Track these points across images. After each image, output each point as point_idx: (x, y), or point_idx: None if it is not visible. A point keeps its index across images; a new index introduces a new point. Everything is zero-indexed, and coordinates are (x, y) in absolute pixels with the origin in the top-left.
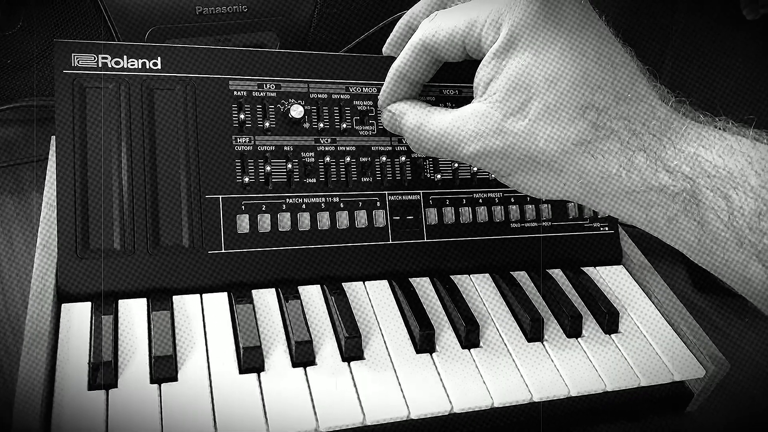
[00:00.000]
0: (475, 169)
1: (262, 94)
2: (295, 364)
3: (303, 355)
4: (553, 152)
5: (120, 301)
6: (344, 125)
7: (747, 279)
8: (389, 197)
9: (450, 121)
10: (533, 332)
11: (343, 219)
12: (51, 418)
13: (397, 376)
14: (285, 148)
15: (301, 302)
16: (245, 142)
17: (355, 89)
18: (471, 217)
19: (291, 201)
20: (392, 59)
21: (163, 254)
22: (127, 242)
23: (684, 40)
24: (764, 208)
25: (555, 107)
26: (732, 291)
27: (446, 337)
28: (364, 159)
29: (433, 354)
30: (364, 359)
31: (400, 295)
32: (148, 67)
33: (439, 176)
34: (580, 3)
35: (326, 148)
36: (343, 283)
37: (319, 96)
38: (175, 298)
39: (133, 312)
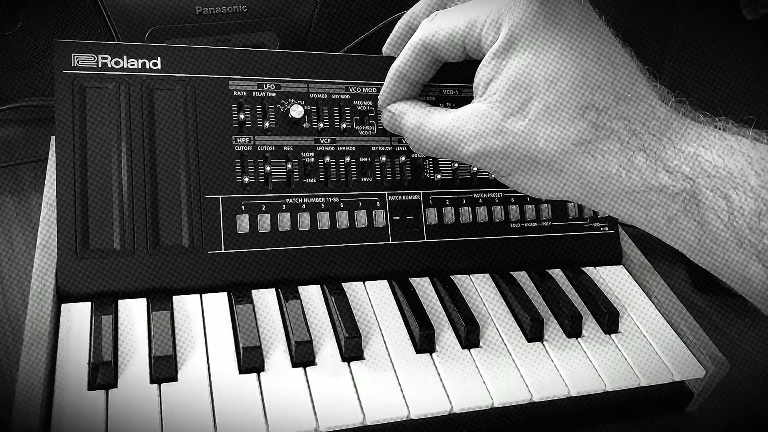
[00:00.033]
0: (475, 169)
1: (262, 94)
2: (295, 364)
3: (303, 355)
4: (553, 152)
5: (120, 301)
6: (344, 125)
7: (747, 279)
8: (389, 197)
9: (450, 121)
10: (533, 332)
11: (343, 219)
12: (51, 418)
13: (397, 376)
14: (285, 148)
15: (301, 302)
16: (245, 142)
17: (355, 89)
18: (471, 217)
19: (291, 201)
20: (392, 59)
21: (163, 254)
22: (127, 242)
23: (684, 40)
24: (764, 208)
25: (555, 107)
26: (732, 291)
27: (446, 337)
28: (364, 159)
29: (433, 354)
30: (364, 359)
31: (400, 295)
32: (148, 67)
33: (439, 176)
34: (580, 3)
35: (326, 148)
36: (343, 283)
37: (319, 96)
38: (175, 298)
39: (133, 312)
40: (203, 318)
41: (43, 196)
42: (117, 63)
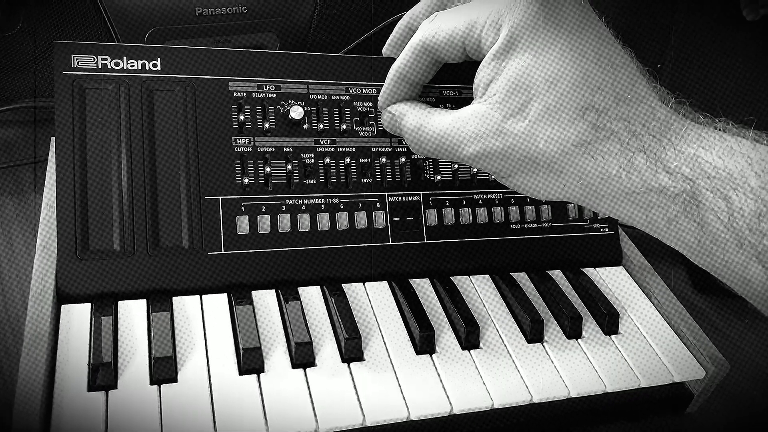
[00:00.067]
0: (475, 170)
1: (261, 95)
2: (294, 365)
3: (303, 356)
4: (553, 153)
5: (120, 302)
6: (344, 126)
7: (747, 280)
8: (389, 198)
9: (450, 122)
10: (533, 333)
11: (342, 220)
12: (51, 419)
13: (396, 377)
14: (285, 149)
15: (301, 303)
16: (245, 143)
17: (355, 90)
18: (471, 218)
19: (291, 202)
20: (392, 60)
21: (162, 255)
22: (126, 243)
23: (684, 40)
24: (764, 209)
25: (555, 108)
26: (732, 292)
27: (446, 338)
28: (363, 160)
29: (433, 355)
30: (364, 360)
31: (400, 296)
32: (147, 68)
33: (438, 177)
34: (579, 4)
35: (326, 149)
36: (342, 284)
37: (319, 97)
38: (175, 299)
39: (133, 313)
40: (203, 319)
41: (42, 197)
42: (117, 64)
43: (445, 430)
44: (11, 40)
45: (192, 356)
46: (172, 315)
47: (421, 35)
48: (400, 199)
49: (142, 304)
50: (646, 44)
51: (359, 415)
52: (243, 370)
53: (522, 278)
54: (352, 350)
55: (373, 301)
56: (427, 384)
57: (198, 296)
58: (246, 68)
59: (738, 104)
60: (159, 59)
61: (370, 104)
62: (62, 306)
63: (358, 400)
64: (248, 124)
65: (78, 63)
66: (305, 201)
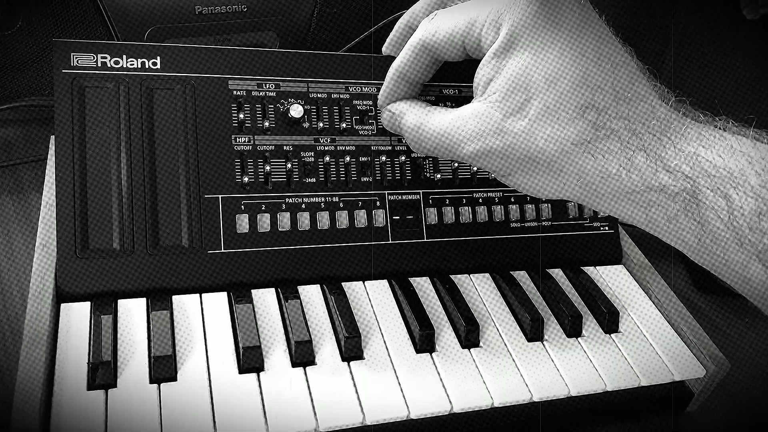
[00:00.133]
0: (475, 168)
1: (261, 93)
2: (294, 364)
3: (303, 355)
4: (553, 152)
5: (119, 301)
6: (344, 125)
7: (747, 279)
8: (389, 197)
9: (450, 120)
10: (533, 332)
11: (342, 219)
12: (50, 418)
13: (396, 376)
14: (284, 147)
15: (301, 302)
16: (245, 141)
17: (355, 89)
18: (471, 216)
19: (290, 201)
20: (392, 59)
21: (162, 254)
22: (126, 242)
23: (684, 40)
24: (764, 207)
25: (555, 107)
26: (732, 291)
27: (446, 336)
28: (363, 159)
29: (433, 354)
30: (364, 359)
31: (400, 294)
32: (147, 66)
33: (438, 176)
34: (579, 3)
35: (326, 148)
36: (342, 283)
37: (319, 95)
38: (175, 298)
39: (133, 312)
40: (203, 318)
41: (42, 196)
42: (116, 62)
43: (445, 429)
44: (11, 38)
45: (192, 355)
46: (171, 314)
47: (420, 34)
48: (400, 197)
49: (141, 302)
50: (646, 44)
51: (359, 414)
52: (243, 369)
53: (522, 277)
54: (352, 349)
55: (373, 299)
56: (427, 383)
57: (198, 295)
58: (246, 67)
59: (738, 103)
60: (159, 58)
61: (370, 103)
62: (62, 305)
63: (358, 398)
64: (248, 123)
65: (77, 61)
66: (305, 199)
